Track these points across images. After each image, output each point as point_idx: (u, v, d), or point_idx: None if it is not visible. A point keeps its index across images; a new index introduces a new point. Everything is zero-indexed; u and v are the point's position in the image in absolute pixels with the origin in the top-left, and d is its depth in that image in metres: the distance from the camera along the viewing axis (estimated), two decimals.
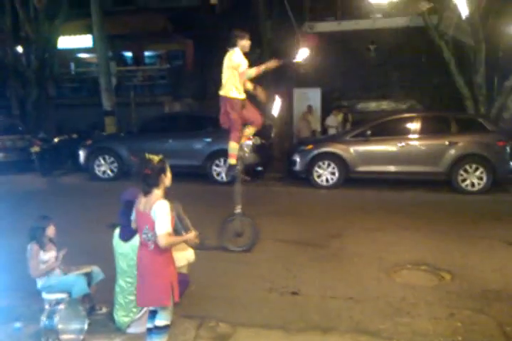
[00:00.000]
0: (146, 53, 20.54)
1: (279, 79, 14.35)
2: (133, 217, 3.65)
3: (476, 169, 9.26)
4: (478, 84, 11.51)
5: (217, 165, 10.48)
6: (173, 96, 17.12)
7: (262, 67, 5.60)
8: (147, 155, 3.47)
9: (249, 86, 5.78)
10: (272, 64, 5.60)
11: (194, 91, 17.87)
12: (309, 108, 14.01)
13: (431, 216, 7.72)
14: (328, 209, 8.32)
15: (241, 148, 6.02)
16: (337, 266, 5.57)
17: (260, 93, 5.80)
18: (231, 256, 5.89)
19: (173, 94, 17.31)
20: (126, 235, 3.92)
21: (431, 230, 6.89)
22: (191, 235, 3.62)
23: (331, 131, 13.40)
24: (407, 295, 4.77)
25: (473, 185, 9.30)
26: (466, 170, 9.30)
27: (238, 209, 6.00)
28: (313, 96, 14.82)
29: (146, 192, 3.42)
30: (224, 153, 10.17)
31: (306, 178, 10.05)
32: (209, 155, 10.53)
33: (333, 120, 13.63)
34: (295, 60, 5.31)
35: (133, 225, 3.70)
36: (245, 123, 5.88)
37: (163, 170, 3.48)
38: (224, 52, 5.76)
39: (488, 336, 4.02)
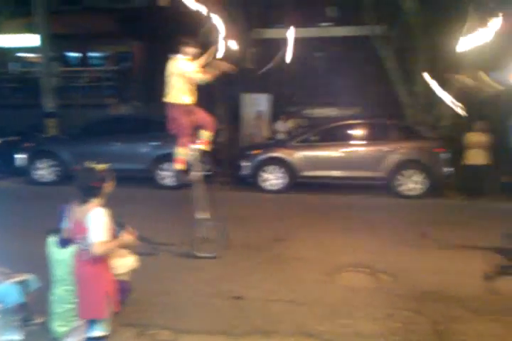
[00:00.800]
0: (93, 54, 20.02)
1: (227, 84, 14.41)
2: (66, 225, 3.52)
3: (414, 174, 9.68)
4: (417, 93, 12.03)
5: (164, 170, 10.37)
6: (120, 98, 16.78)
7: (203, 59, 5.61)
8: (91, 165, 3.38)
9: (202, 76, 5.61)
10: (211, 50, 5.63)
11: (142, 93, 17.58)
12: (259, 113, 14.06)
13: (372, 220, 8.00)
14: (273, 213, 8.43)
15: (194, 152, 6.03)
16: (280, 269, 5.65)
17: (221, 67, 5.60)
18: (175, 261, 5.85)
19: (121, 96, 16.97)
20: (65, 241, 3.81)
21: (371, 233, 7.13)
22: (126, 237, 3.54)
23: (279, 136, 13.57)
24: (347, 297, 4.92)
25: (410, 189, 9.71)
26: (403, 175, 9.70)
27: (205, 215, 5.98)
28: (261, 102, 14.96)
29: (84, 202, 3.34)
30: (171, 157, 10.23)
31: (253, 183, 10.13)
32: (156, 159, 10.41)
33: (281, 125, 13.80)
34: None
35: (65, 234, 3.57)
36: (198, 128, 5.89)
37: (105, 180, 3.41)
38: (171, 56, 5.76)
39: (424, 335, 4.21)
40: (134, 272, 4.44)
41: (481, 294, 5.02)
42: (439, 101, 11.93)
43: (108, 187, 3.45)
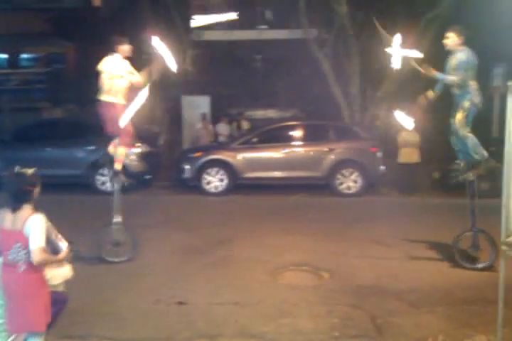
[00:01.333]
0: (23, 56, 19.13)
1: (167, 86, 14.24)
2: None
3: (352, 173, 9.98)
4: (353, 95, 12.43)
5: (102, 174, 10.08)
6: (53, 101, 16.13)
7: (146, 72, 5.56)
8: (19, 169, 3.26)
9: (140, 78, 5.61)
10: (154, 66, 5.57)
11: (77, 96, 17.01)
12: (204, 116, 13.80)
13: (312, 219, 8.18)
14: (216, 216, 8.41)
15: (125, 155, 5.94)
16: (223, 272, 5.66)
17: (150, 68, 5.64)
18: (115, 268, 5.70)
19: (54, 99, 16.32)
20: None
21: (312, 232, 7.29)
22: (63, 254, 3.44)
23: (221, 139, 13.54)
24: (289, 296, 5.00)
25: (349, 188, 10.01)
26: (343, 174, 9.99)
27: (117, 218, 5.84)
28: (202, 104, 14.87)
29: (16, 209, 3.19)
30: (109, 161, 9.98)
31: (195, 186, 10.07)
32: (92, 163, 10.09)
33: (223, 128, 13.76)
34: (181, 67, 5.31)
35: None
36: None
37: (36, 184, 3.30)
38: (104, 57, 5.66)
39: (363, 329, 4.36)
40: (69, 281, 4.29)
41: (417, 287, 5.26)
42: (374, 101, 12.43)
43: (37, 192, 3.33)
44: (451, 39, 5.46)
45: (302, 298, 4.97)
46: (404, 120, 5.94)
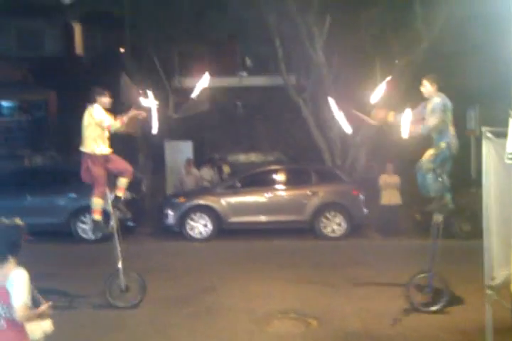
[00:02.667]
0: (4, 104, 19.22)
1: (149, 132, 14.37)
2: None
3: (335, 216, 10.02)
4: (333, 139, 12.69)
5: (84, 222, 9.94)
6: (33, 148, 16.10)
7: (124, 118, 5.64)
8: (7, 220, 3.19)
9: (119, 125, 5.66)
10: (132, 113, 5.66)
11: (58, 143, 17.03)
12: (188, 161, 13.70)
13: (297, 264, 8.11)
14: (201, 262, 8.29)
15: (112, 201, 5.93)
16: (209, 322, 5.52)
17: (129, 124, 5.72)
18: (100, 321, 5.52)
19: (34, 146, 16.29)
20: None
21: (297, 278, 7.22)
22: (45, 307, 3.30)
23: (205, 184, 13.52)
24: None
25: (333, 231, 10.02)
26: (326, 218, 10.02)
27: (119, 264, 5.85)
28: (185, 149, 14.98)
29: (2, 260, 3.08)
30: (90, 209, 9.84)
31: (179, 232, 9.96)
32: (74, 211, 9.97)
33: (207, 172, 13.78)
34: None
35: None
36: (116, 175, 5.81)
37: (24, 236, 3.23)
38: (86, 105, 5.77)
39: None
40: (49, 336, 4.13)
41: (404, 332, 5.20)
42: (354, 145, 12.69)
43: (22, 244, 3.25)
44: (426, 87, 5.71)
45: None
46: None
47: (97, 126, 5.62)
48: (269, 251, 9.19)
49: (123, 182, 5.92)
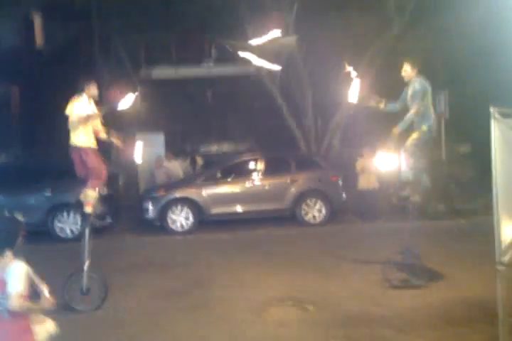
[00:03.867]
0: None
1: (120, 126, 14.05)
2: None
3: (316, 203, 10.12)
4: (307, 126, 12.77)
5: (60, 221, 9.68)
6: None
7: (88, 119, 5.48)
8: (9, 213, 3.24)
9: (103, 135, 5.65)
10: (102, 109, 5.56)
11: (22, 140, 16.46)
12: (159, 158, 13.31)
13: (284, 251, 8.15)
14: (186, 255, 8.22)
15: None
16: (208, 313, 5.49)
17: (116, 139, 5.75)
18: (97, 319, 5.41)
19: None
20: None
21: (287, 265, 7.26)
22: (46, 301, 3.26)
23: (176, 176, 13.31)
24: (280, 334, 4.91)
25: (314, 217, 10.12)
26: (307, 205, 10.10)
27: (86, 265, 5.65)
28: (157, 142, 14.73)
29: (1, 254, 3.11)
30: (67, 207, 9.59)
31: (159, 225, 9.84)
32: (49, 209, 9.69)
33: (179, 165, 13.59)
34: (119, 108, 5.36)
35: None
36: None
37: (23, 230, 3.27)
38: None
39: None
40: (54, 337, 4.03)
41: (400, 312, 5.31)
42: (328, 132, 12.82)
43: (21, 241, 3.26)
44: (407, 71, 5.80)
45: (293, 334, 4.89)
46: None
47: (78, 118, 5.48)
48: (254, 240, 9.20)
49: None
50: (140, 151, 6.05)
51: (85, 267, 5.64)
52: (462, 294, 5.61)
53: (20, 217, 3.25)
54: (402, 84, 6.35)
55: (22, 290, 3.06)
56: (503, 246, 3.23)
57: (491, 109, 3.29)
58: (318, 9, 12.00)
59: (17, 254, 3.26)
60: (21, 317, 3.11)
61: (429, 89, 5.85)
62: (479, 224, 9.43)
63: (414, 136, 5.83)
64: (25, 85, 16.71)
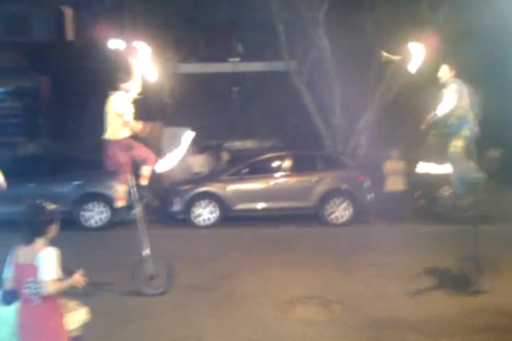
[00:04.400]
0: None
1: (145, 120, 14.15)
2: (7, 275, 3.30)
3: (342, 202, 10.03)
4: (335, 125, 12.66)
5: (86, 210, 9.82)
6: (27, 136, 15.78)
7: (148, 127, 5.63)
8: (40, 202, 3.29)
9: (139, 127, 5.64)
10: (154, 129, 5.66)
11: (50, 130, 16.72)
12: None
13: (308, 250, 8.11)
14: (211, 249, 8.24)
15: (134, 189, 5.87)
16: (234, 308, 5.49)
17: (152, 130, 5.78)
18: (122, 310, 5.46)
19: (27, 134, 15.97)
20: (10, 295, 3.43)
21: (312, 263, 7.21)
22: (77, 277, 3.35)
23: (204, 171, 13.34)
24: (307, 332, 4.88)
25: (338, 217, 10.04)
26: (332, 204, 10.01)
27: (147, 251, 5.82)
28: (182, 136, 14.76)
29: (29, 242, 3.19)
30: (94, 197, 9.73)
31: (183, 219, 9.89)
32: (77, 199, 9.83)
33: (204, 160, 13.61)
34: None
35: (8, 285, 3.31)
36: (139, 163, 5.77)
37: (53, 220, 3.31)
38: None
39: None
40: (86, 324, 4.07)
41: (430, 317, 5.22)
42: (355, 131, 12.69)
43: (54, 229, 3.33)
44: (444, 72, 5.68)
45: (320, 333, 4.85)
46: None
47: (118, 116, 5.53)
48: (277, 237, 9.17)
49: (146, 170, 5.83)
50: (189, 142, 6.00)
51: (146, 253, 5.82)
52: (493, 302, 5.49)
53: (51, 206, 3.29)
54: (430, 83, 6.23)
55: (55, 275, 3.15)
56: None
57: None
58: (348, 7, 11.88)
59: (50, 241, 3.34)
60: (51, 301, 3.20)
61: (467, 91, 5.71)
62: (506, 230, 9.27)
63: (460, 144, 5.67)
64: (55, 77, 16.97)
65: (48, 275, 3.11)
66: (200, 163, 12.62)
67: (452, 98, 5.54)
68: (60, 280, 3.24)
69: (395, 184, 10.45)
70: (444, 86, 5.85)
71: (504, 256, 6.85)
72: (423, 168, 6.04)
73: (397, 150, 10.61)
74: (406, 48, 5.62)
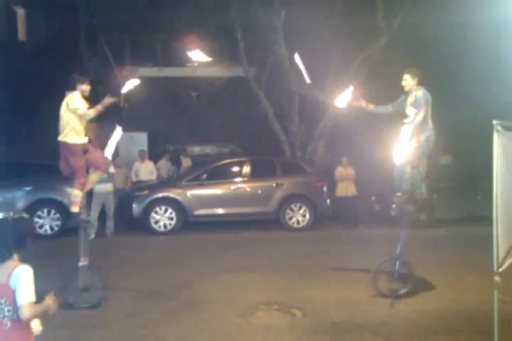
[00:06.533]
0: None
1: (103, 122, 13.84)
2: None
3: (300, 208, 10.14)
4: (293, 131, 12.81)
5: (40, 217, 9.48)
6: None
7: (99, 107, 5.45)
8: (15, 214, 3.04)
9: (92, 112, 5.44)
10: (107, 101, 5.47)
11: (3, 135, 16.06)
12: (142, 152, 12.62)
13: (268, 255, 8.14)
14: (170, 256, 8.13)
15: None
16: (194, 316, 5.42)
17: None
18: (77, 318, 5.27)
19: None
20: None
21: (272, 269, 7.24)
22: (50, 300, 3.09)
23: (162, 176, 13.18)
24: (267, 337, 4.88)
25: (298, 222, 10.14)
26: (291, 209, 10.11)
27: (84, 262, 5.59)
28: (139, 141, 14.56)
29: (5, 258, 2.91)
30: (47, 203, 9.40)
31: (142, 225, 9.71)
32: (29, 205, 9.47)
33: (164, 165, 13.43)
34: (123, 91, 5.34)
35: None
36: (92, 168, 5.62)
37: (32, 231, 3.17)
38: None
39: None
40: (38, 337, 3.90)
41: (387, 319, 5.34)
42: (313, 138, 12.88)
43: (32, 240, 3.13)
44: (407, 81, 5.84)
45: (281, 338, 4.87)
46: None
47: (73, 113, 5.38)
48: (237, 243, 9.15)
49: (95, 177, 5.71)
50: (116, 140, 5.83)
51: (81, 265, 5.60)
52: (448, 303, 5.68)
53: (25, 216, 3.11)
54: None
55: (33, 297, 2.90)
56: (500, 257, 3.27)
57: (494, 122, 3.35)
58: (306, 15, 12.08)
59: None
60: (23, 324, 2.95)
61: (430, 99, 5.88)
62: (460, 233, 9.65)
63: (413, 144, 5.84)
64: (7, 79, 16.33)
65: (25, 298, 2.84)
66: (147, 171, 11.62)
67: (422, 108, 5.70)
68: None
69: (345, 189, 10.68)
70: (408, 93, 5.98)
71: (459, 260, 7.11)
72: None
73: (347, 157, 10.84)
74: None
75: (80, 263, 5.58)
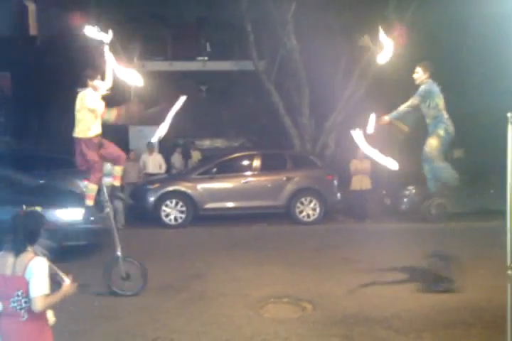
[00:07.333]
0: None
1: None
2: None
3: (311, 201, 10.12)
4: (303, 125, 12.75)
5: None
6: None
7: (122, 110, 5.48)
8: (28, 208, 3.03)
9: (114, 113, 5.56)
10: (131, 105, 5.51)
11: (12, 128, 16.21)
12: (150, 145, 12.56)
13: (279, 248, 8.15)
14: (181, 249, 8.17)
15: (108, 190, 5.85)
16: (205, 308, 5.45)
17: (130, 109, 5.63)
18: (91, 311, 5.34)
19: None
20: None
21: (282, 262, 7.25)
22: (67, 287, 3.11)
23: (175, 170, 13.18)
24: (278, 330, 4.89)
25: (308, 215, 10.13)
26: (302, 203, 10.10)
27: (119, 252, 5.73)
28: (149, 134, 14.57)
29: (20, 251, 2.93)
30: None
31: (153, 218, 9.77)
32: None
33: (178, 158, 13.44)
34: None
35: None
36: (109, 162, 5.73)
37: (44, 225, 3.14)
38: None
39: None
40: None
41: (398, 313, 5.33)
42: (323, 131, 12.83)
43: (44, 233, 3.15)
44: (419, 73, 5.79)
45: (291, 331, 4.88)
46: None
47: (90, 112, 5.41)
48: (248, 236, 9.18)
49: (117, 170, 5.77)
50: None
51: (118, 253, 5.75)
52: (459, 299, 5.64)
53: (38, 210, 3.09)
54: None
55: (47, 290, 2.92)
56: None
57: (508, 114, 3.31)
58: (317, 8, 11.97)
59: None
60: (40, 316, 2.98)
61: (438, 92, 5.81)
62: (472, 228, 9.57)
63: (434, 142, 5.75)
64: (17, 72, 16.45)
65: (39, 290, 2.87)
66: (156, 164, 11.60)
67: (415, 97, 5.70)
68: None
69: (360, 183, 10.60)
70: (419, 87, 5.93)
71: (471, 255, 7.06)
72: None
73: (363, 150, 10.73)
74: (377, 41, 5.70)
75: (118, 253, 5.72)
